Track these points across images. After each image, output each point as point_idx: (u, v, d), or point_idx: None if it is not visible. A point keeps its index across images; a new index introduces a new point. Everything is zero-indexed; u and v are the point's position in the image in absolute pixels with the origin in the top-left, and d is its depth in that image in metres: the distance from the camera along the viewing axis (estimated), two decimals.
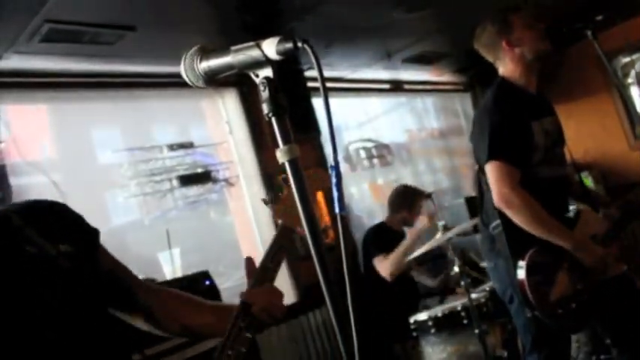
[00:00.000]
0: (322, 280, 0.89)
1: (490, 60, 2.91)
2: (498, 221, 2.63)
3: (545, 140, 2.65)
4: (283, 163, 0.96)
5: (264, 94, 0.96)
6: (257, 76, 0.99)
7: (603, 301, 2.65)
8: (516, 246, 2.55)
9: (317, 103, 4.95)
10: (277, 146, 0.98)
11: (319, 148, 5.12)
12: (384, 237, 4.53)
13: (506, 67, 2.82)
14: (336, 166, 0.88)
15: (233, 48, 1.00)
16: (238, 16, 3.64)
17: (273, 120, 0.96)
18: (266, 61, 0.97)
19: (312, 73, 4.98)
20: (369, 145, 5.98)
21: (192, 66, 1.06)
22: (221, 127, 4.75)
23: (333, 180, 0.87)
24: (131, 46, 3.68)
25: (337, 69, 5.33)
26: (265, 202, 1.74)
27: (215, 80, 1.06)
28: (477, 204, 2.90)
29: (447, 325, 3.76)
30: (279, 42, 0.95)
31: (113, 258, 1.57)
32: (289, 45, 0.94)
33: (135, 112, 4.44)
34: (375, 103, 6.44)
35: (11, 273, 1.24)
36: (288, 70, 4.21)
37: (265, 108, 0.96)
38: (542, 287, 2.50)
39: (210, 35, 3.90)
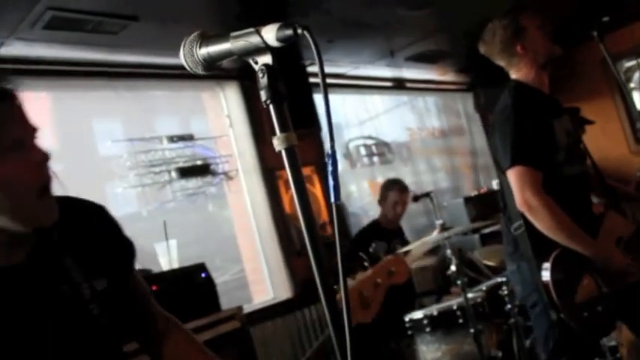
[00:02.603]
0: (317, 276, 0.88)
1: (501, 64, 2.88)
2: (521, 222, 2.60)
3: (567, 139, 2.63)
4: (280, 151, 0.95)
5: (263, 80, 0.95)
6: (256, 62, 0.98)
7: (630, 306, 2.63)
8: (540, 247, 2.50)
9: (318, 98, 4.94)
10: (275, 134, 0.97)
11: (319, 143, 5.11)
12: (364, 242, 4.56)
13: (520, 70, 2.80)
14: (333, 155, 0.87)
15: (232, 34, 0.99)
16: (241, 9, 3.64)
17: (271, 107, 0.95)
18: (265, 48, 0.96)
19: (314, 68, 4.97)
20: (370, 142, 5.98)
21: (191, 52, 1.05)
22: (222, 120, 4.74)
23: (329, 168, 0.86)
24: (134, 36, 3.67)
25: (339, 65, 5.32)
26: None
27: (214, 67, 1.05)
28: (500, 207, 2.86)
29: (442, 324, 3.75)
30: (279, 28, 0.94)
31: (141, 285, 1.60)
32: (289, 31, 0.93)
33: (136, 103, 4.43)
34: (376, 101, 6.43)
35: (41, 312, 1.23)
36: (290, 65, 4.20)
37: (263, 95, 0.95)
38: (567, 289, 2.44)
39: (213, 27, 3.88)
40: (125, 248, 1.53)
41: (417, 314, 3.84)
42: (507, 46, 2.78)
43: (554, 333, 2.55)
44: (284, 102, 0.96)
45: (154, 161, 4.22)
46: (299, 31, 0.92)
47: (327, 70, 5.27)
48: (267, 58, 0.97)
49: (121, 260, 1.50)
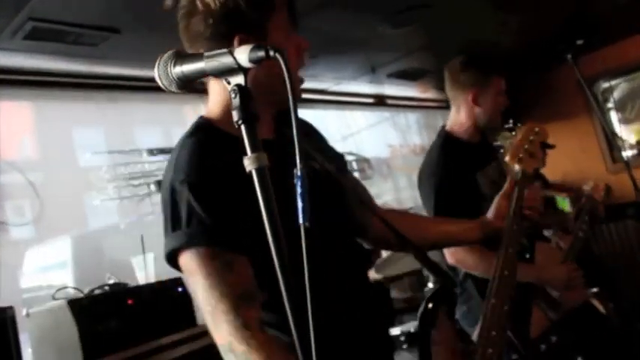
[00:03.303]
0: (285, 293, 0.89)
1: (448, 95, 2.92)
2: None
3: (491, 189, 2.65)
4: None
5: (235, 101, 0.96)
6: (229, 83, 0.99)
7: (578, 333, 2.65)
8: (485, 288, 2.53)
9: (299, 114, 4.95)
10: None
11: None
12: None
13: (458, 117, 2.84)
14: (302, 176, 0.87)
15: (206, 54, 1.00)
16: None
17: (243, 128, 0.95)
18: (238, 69, 0.97)
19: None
20: (350, 158, 6.00)
21: (165, 70, 1.06)
22: None
23: (298, 190, 0.86)
24: (115, 48, 3.66)
25: (321, 81, 5.34)
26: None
27: (189, 86, 1.06)
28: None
29: (417, 341, 3.74)
30: (252, 50, 0.95)
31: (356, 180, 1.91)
32: (261, 53, 0.94)
33: (117, 115, 4.40)
34: (358, 117, 6.46)
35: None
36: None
37: (235, 115, 0.96)
38: (520, 326, 2.45)
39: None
40: (337, 151, 1.80)
41: (394, 331, 3.84)
42: (463, 86, 2.82)
43: None
44: (256, 122, 0.96)
45: (133, 174, 4.19)
46: (271, 53, 0.93)
47: (310, 85, 5.28)
48: (239, 79, 0.98)
49: (340, 157, 1.78)
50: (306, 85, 5.76)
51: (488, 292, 1.64)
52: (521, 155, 1.92)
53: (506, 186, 1.88)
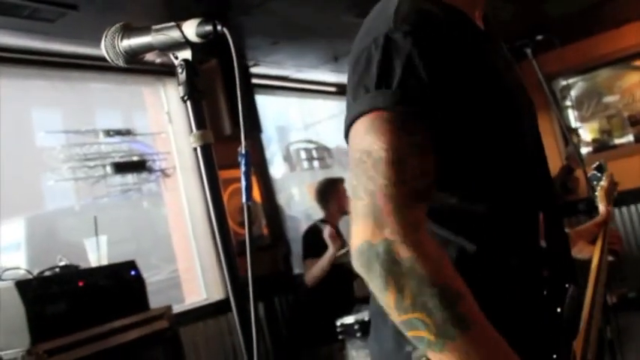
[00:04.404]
0: (228, 281, 0.87)
1: None
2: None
3: None
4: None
5: (181, 76, 0.95)
6: (176, 57, 0.97)
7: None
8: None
9: (261, 100, 4.92)
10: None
11: (261, 145, 5.10)
12: (314, 239, 4.62)
13: None
14: (246, 155, 0.86)
15: (154, 27, 0.98)
16: (185, 4, 3.60)
17: (188, 104, 0.94)
18: (185, 43, 0.95)
19: (258, 69, 4.97)
20: (310, 146, 6.00)
21: (113, 43, 1.03)
22: (161, 116, 4.66)
23: (242, 169, 0.85)
24: (72, 25, 3.57)
25: (283, 67, 5.31)
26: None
27: (136, 60, 1.04)
28: None
29: None
30: (200, 24, 0.93)
31: None
32: (209, 27, 0.92)
33: (76, 95, 4.32)
34: (321, 106, 6.45)
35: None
36: (232, 65, 4.17)
37: (181, 91, 0.94)
38: None
39: (156, 20, 3.82)
40: None
41: (349, 319, 3.86)
42: None
43: None
44: (202, 99, 0.94)
45: (88, 155, 4.11)
46: (219, 27, 0.91)
47: (271, 72, 5.26)
48: (187, 54, 0.97)
49: None
50: (267, 71, 5.76)
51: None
52: (609, 198, 2.18)
53: (599, 218, 2.08)
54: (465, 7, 1.21)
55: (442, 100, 1.06)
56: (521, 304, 1.14)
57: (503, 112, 1.18)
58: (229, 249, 0.86)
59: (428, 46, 1.07)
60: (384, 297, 0.97)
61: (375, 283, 0.97)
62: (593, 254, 1.89)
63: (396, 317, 0.97)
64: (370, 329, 1.32)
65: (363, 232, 0.98)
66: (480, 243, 1.11)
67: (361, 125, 1.05)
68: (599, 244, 1.94)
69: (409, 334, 0.97)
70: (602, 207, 2.15)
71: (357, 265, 0.99)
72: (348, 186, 0.90)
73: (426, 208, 1.04)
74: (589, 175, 2.34)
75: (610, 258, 1.97)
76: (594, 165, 2.38)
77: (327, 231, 4.35)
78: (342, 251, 4.25)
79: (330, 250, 4.33)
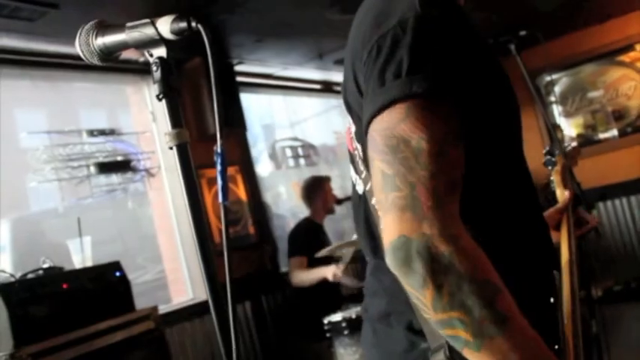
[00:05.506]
0: (206, 283, 0.86)
1: None
2: None
3: None
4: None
5: (156, 74, 0.93)
6: (151, 55, 0.95)
7: None
8: None
9: (245, 97, 4.90)
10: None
11: (245, 143, 5.08)
12: (301, 237, 4.63)
13: None
14: (222, 154, 0.85)
15: (128, 25, 0.97)
16: (168, 2, 3.57)
17: (164, 102, 0.92)
18: (160, 40, 0.94)
19: (242, 67, 4.94)
20: (296, 144, 5.99)
21: (87, 41, 1.01)
22: (145, 115, 4.63)
23: (218, 168, 0.84)
24: (53, 24, 3.53)
25: (267, 65, 5.29)
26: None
27: (112, 58, 1.02)
28: None
29: (360, 327, 3.76)
30: (174, 21, 0.92)
31: None
32: (183, 25, 0.91)
33: (59, 94, 4.28)
34: (306, 103, 6.44)
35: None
36: (217, 63, 4.15)
37: (156, 89, 0.93)
38: None
39: (138, 18, 3.78)
40: None
41: (336, 317, 3.85)
42: None
43: None
44: (178, 97, 0.93)
45: (72, 155, 4.07)
46: (193, 24, 0.89)
47: (255, 69, 5.24)
48: (161, 51, 0.95)
49: None
50: (251, 69, 5.72)
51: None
52: (565, 181, 2.05)
53: (560, 204, 1.96)
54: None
55: (470, 88, 1.03)
56: (532, 302, 1.08)
57: (510, 106, 1.18)
58: (207, 251, 0.85)
59: (456, 32, 1.05)
60: (420, 294, 0.92)
61: (413, 280, 0.92)
62: (561, 244, 1.79)
63: (432, 315, 0.93)
64: (366, 333, 1.28)
65: (399, 226, 0.93)
66: (493, 241, 1.05)
67: (395, 112, 0.98)
68: (564, 232, 1.83)
69: (445, 332, 0.93)
70: (559, 192, 2.03)
71: (392, 260, 0.94)
72: (375, 173, 0.85)
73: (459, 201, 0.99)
74: (544, 160, 2.22)
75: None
76: (545, 150, 2.25)
77: (331, 275, 4.34)
78: (333, 247, 4.26)
79: (327, 275, 4.33)
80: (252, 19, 4.14)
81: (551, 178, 2.09)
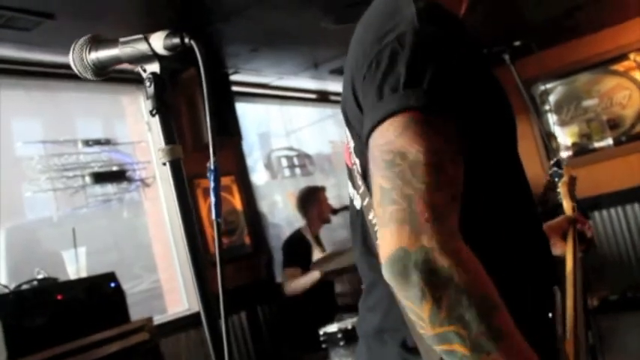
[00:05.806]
0: (199, 294, 0.85)
1: None
2: None
3: None
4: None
5: (150, 90, 0.93)
6: (145, 70, 0.95)
7: None
8: None
9: (240, 107, 4.90)
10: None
11: (241, 153, 5.07)
12: (295, 248, 4.64)
13: None
14: (215, 170, 0.84)
15: (121, 40, 0.96)
16: (164, 12, 3.57)
17: (157, 118, 0.92)
18: (153, 56, 0.93)
19: (238, 77, 4.95)
20: (291, 153, 5.99)
21: (80, 56, 1.01)
22: (141, 125, 4.63)
23: (211, 184, 0.83)
24: (49, 34, 3.54)
25: (263, 75, 5.29)
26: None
27: (105, 73, 1.01)
28: None
29: (356, 337, 3.75)
30: (167, 36, 0.91)
31: None
32: (176, 40, 0.90)
33: (54, 104, 4.27)
34: (302, 113, 6.45)
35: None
36: (212, 72, 4.15)
37: (150, 104, 0.92)
38: None
39: (133, 29, 3.79)
40: None
41: (332, 327, 3.83)
42: None
43: None
44: (171, 113, 0.93)
45: (67, 165, 4.06)
46: (186, 40, 0.89)
47: (251, 79, 5.24)
48: (155, 67, 0.94)
49: None
50: (247, 78, 5.72)
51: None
52: (571, 192, 2.11)
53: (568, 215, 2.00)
54: (456, 11, 1.21)
55: (467, 103, 1.03)
56: (530, 317, 1.09)
57: (507, 120, 1.19)
58: (200, 268, 0.85)
59: (454, 46, 1.05)
60: (418, 308, 0.91)
61: (411, 294, 0.91)
62: (566, 255, 1.81)
63: (429, 329, 0.91)
64: (361, 349, 1.27)
65: (397, 239, 0.92)
66: (491, 257, 1.03)
67: (392, 125, 0.98)
68: (570, 243, 1.85)
69: (441, 347, 0.92)
70: (566, 203, 2.05)
71: (390, 274, 0.92)
72: (374, 189, 0.84)
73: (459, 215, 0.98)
74: (550, 171, 2.27)
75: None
76: (553, 161, 2.28)
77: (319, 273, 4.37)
78: (328, 254, 4.26)
79: (315, 275, 4.34)
80: (248, 29, 4.15)
81: (558, 189, 2.13)
